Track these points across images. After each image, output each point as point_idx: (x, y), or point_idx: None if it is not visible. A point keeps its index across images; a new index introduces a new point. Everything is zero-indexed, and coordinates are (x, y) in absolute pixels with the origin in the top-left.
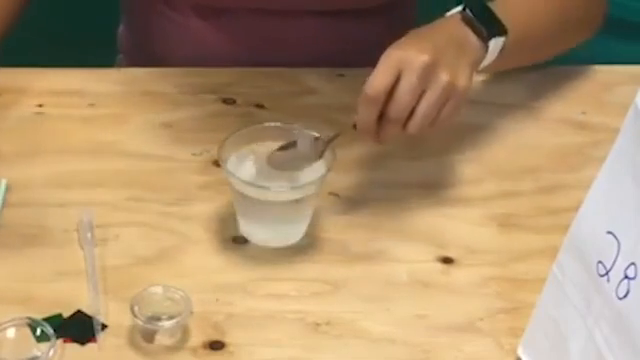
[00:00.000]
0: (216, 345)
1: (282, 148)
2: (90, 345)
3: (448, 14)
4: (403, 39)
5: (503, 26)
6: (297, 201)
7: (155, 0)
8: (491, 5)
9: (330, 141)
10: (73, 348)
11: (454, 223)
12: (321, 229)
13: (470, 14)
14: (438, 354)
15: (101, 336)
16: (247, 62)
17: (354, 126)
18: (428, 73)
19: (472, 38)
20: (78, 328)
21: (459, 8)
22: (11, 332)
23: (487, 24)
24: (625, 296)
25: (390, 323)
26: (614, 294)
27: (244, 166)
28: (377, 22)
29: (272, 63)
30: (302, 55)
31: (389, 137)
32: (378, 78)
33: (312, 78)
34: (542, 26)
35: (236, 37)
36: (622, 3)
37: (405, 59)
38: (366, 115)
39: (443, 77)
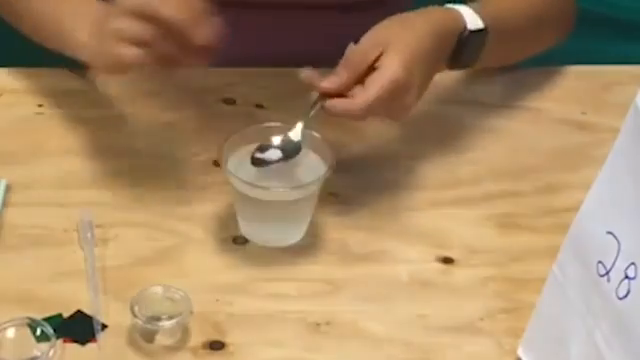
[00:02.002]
0: (216, 345)
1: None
2: (90, 345)
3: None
4: (396, 24)
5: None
6: (297, 201)
7: None
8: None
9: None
10: (73, 348)
11: (454, 223)
12: (321, 229)
13: (466, 41)
14: (438, 354)
15: (101, 336)
16: (242, 57)
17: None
18: (397, 91)
19: (442, 67)
20: (78, 328)
21: (467, 23)
22: (11, 332)
23: (468, 59)
24: (625, 296)
25: (390, 323)
26: (614, 294)
27: (244, 166)
28: (375, 16)
29: (269, 58)
30: (299, 50)
31: (338, 107)
32: (365, 56)
33: None
34: (518, 25)
35: (231, 32)
36: (621, 3)
37: (388, 62)
38: (343, 79)
39: (408, 101)
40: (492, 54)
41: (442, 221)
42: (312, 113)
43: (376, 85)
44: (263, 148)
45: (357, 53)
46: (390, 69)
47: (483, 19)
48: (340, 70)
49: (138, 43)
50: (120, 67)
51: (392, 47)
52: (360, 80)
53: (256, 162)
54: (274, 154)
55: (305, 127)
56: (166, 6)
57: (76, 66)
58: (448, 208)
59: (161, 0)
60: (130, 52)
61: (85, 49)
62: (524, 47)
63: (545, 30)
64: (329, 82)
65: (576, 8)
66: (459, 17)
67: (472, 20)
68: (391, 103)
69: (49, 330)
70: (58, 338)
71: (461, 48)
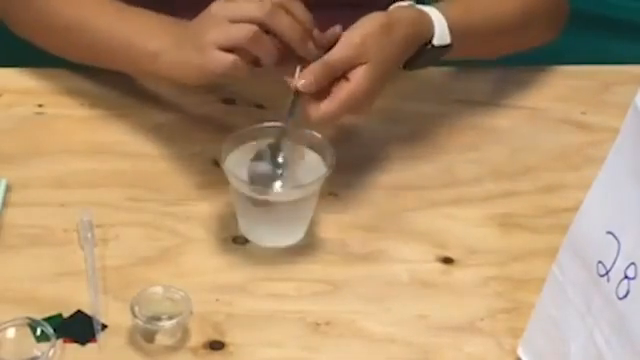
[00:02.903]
0: (216, 345)
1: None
2: (90, 345)
3: (428, 16)
4: (378, 29)
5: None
6: (297, 201)
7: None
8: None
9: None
10: (73, 348)
11: (454, 223)
12: (321, 229)
13: (426, 53)
14: (438, 354)
15: (101, 336)
16: None
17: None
18: (359, 102)
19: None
20: (78, 328)
21: (435, 36)
22: (11, 332)
23: (423, 64)
24: (625, 296)
25: (390, 323)
26: (614, 294)
27: (244, 166)
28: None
29: None
30: None
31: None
32: (346, 66)
33: None
34: (500, 23)
35: None
36: (622, 3)
37: (358, 78)
38: (321, 79)
39: (365, 108)
40: (468, 51)
41: (442, 221)
42: (292, 112)
43: (341, 99)
44: (257, 158)
45: (339, 61)
46: (359, 87)
47: (454, 25)
48: (319, 73)
49: (237, 49)
50: (227, 75)
51: (369, 64)
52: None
53: (255, 179)
54: (267, 167)
55: (287, 125)
56: (279, 17)
57: (77, 66)
58: (448, 208)
59: (272, 9)
60: (234, 60)
61: (160, 59)
62: (506, 44)
63: (534, 27)
64: (307, 84)
65: (568, 7)
66: (430, 27)
67: (440, 33)
68: (350, 109)
69: (49, 330)
70: (58, 338)
71: (419, 56)
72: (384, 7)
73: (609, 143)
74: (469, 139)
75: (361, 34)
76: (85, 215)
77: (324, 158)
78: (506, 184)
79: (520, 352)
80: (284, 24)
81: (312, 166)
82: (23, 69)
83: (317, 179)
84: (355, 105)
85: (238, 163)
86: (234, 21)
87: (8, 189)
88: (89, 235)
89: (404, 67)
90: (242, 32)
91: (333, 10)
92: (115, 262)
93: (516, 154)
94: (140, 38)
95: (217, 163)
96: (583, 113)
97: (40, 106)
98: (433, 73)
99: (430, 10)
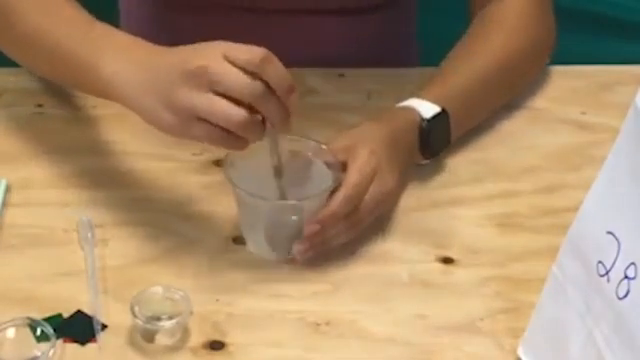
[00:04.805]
0: (216, 345)
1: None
2: (90, 345)
3: (407, 106)
4: (377, 153)
5: (449, 140)
6: (303, 212)
7: (152, 1)
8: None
9: None
10: (73, 348)
11: (454, 223)
12: None
13: (428, 129)
14: (438, 354)
15: (101, 336)
16: None
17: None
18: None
19: (418, 158)
20: (78, 328)
21: (422, 112)
22: (11, 332)
23: (439, 143)
24: (625, 296)
25: (390, 323)
26: (614, 294)
27: (250, 177)
28: (378, 19)
29: None
30: (301, 53)
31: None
32: (362, 187)
33: (312, 78)
34: (489, 65)
35: (234, 36)
36: (622, 3)
37: (379, 189)
38: (347, 209)
39: (387, 183)
40: (475, 110)
41: (442, 221)
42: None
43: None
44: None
45: (358, 188)
46: (354, 164)
47: (441, 101)
48: (342, 208)
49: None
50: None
51: (358, 146)
52: None
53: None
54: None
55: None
56: (267, 102)
57: None
58: (448, 208)
59: (263, 93)
60: (213, 137)
61: (112, 85)
62: (505, 88)
63: (525, 64)
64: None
65: (555, 33)
66: (412, 111)
67: (426, 109)
68: (370, 188)
69: (49, 330)
70: (58, 338)
71: (427, 136)
72: (372, 14)
73: (609, 143)
74: (469, 139)
75: (340, 139)
76: (85, 215)
77: (332, 169)
78: (506, 184)
79: (520, 352)
80: (270, 109)
81: (318, 178)
82: (23, 69)
83: (323, 190)
84: (386, 206)
85: (245, 174)
86: (218, 93)
87: (8, 189)
88: (89, 235)
89: (427, 155)
90: (231, 118)
91: (322, 16)
92: (115, 262)
93: (516, 154)
94: (97, 58)
95: (217, 163)
96: (583, 113)
97: (40, 106)
98: (434, 74)
99: (408, 101)
